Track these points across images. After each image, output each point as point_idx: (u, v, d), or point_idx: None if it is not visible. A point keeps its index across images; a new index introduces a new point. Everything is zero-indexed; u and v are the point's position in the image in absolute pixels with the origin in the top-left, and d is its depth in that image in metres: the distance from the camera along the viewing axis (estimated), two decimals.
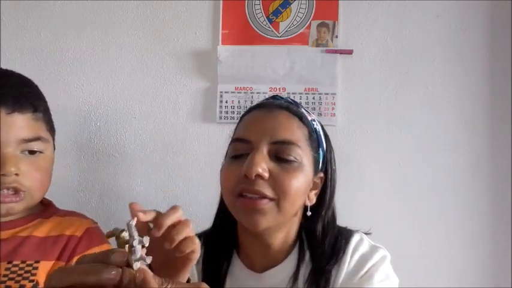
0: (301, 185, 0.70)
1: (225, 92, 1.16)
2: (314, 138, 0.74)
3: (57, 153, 1.17)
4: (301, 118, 0.74)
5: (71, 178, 1.17)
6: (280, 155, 0.69)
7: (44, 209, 0.84)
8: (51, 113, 0.83)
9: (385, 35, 1.16)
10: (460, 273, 1.12)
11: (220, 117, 1.16)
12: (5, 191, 0.73)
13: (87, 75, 1.18)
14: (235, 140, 0.74)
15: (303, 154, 0.71)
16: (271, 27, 1.17)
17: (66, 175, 1.16)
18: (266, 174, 0.67)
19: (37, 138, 0.76)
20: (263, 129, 0.71)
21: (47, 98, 0.82)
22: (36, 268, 0.75)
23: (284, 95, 1.15)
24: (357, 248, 0.75)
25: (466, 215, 1.13)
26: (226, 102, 1.16)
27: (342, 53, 1.15)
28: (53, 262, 0.76)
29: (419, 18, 1.16)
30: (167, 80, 1.18)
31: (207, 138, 1.17)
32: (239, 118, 0.80)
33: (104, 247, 0.82)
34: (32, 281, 0.74)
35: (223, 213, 0.80)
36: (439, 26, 1.15)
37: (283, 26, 1.17)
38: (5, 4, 1.19)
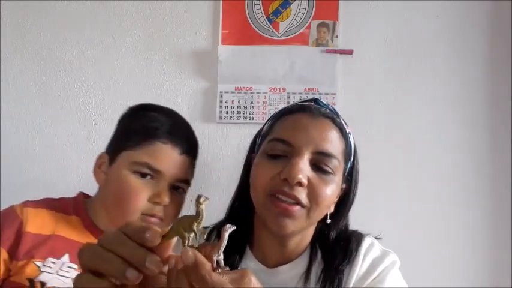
0: (332, 195, 0.72)
1: (225, 92, 1.16)
2: (347, 152, 0.75)
3: (58, 153, 1.19)
4: (342, 130, 0.75)
5: (71, 178, 1.17)
6: (319, 164, 0.70)
7: None
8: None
9: (385, 35, 1.16)
10: (460, 273, 1.12)
11: (220, 117, 1.16)
12: None
13: (87, 75, 1.18)
14: (276, 140, 0.73)
15: (338, 167, 0.72)
16: (271, 27, 1.17)
17: (66, 175, 1.16)
18: (306, 182, 0.69)
19: None
20: (308, 136, 0.71)
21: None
22: None
23: (284, 95, 1.15)
24: (368, 251, 0.76)
25: (466, 214, 1.13)
26: (226, 102, 1.16)
27: (341, 53, 1.15)
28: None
29: (419, 18, 1.16)
30: (167, 80, 1.18)
31: (207, 138, 1.16)
32: (276, 115, 0.79)
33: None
34: None
35: (239, 207, 0.80)
36: (439, 26, 1.15)
37: (283, 26, 1.17)
38: (5, 4, 1.19)
